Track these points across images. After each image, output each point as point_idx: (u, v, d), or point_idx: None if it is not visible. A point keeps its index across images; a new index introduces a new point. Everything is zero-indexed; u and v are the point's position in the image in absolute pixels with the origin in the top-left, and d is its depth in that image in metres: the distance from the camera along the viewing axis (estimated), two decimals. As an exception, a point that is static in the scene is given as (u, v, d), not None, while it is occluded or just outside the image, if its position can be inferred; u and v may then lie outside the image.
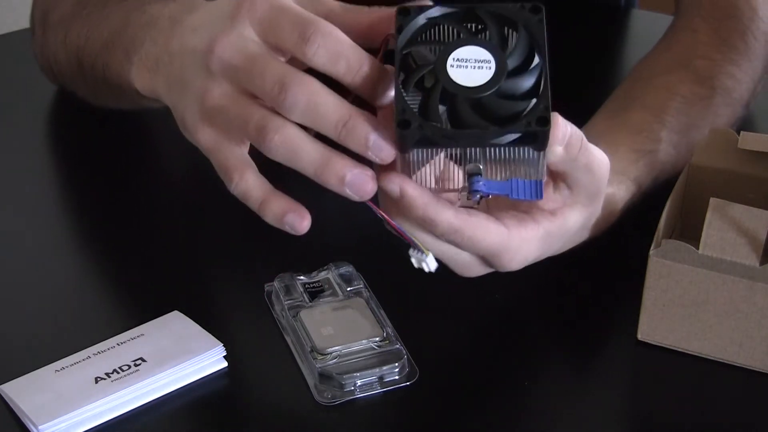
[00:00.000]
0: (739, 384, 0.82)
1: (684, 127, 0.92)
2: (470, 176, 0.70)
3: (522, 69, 0.70)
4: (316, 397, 0.79)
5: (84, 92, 1.02)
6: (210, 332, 0.83)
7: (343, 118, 0.70)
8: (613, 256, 0.90)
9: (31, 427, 0.77)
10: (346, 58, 0.70)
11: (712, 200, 0.80)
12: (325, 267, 0.87)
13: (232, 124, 0.73)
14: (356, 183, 0.71)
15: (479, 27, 0.71)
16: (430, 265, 0.73)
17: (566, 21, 1.22)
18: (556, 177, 0.75)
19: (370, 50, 0.73)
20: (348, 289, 0.86)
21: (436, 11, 0.71)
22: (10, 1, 1.50)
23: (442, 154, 0.70)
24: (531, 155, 0.70)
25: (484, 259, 0.76)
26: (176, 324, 0.84)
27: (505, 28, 0.71)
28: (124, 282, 0.91)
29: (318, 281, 0.86)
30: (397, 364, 0.80)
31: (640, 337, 0.84)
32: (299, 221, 0.73)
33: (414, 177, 0.71)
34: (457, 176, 0.72)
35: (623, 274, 0.88)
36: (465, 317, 0.86)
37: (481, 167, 0.70)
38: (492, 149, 0.69)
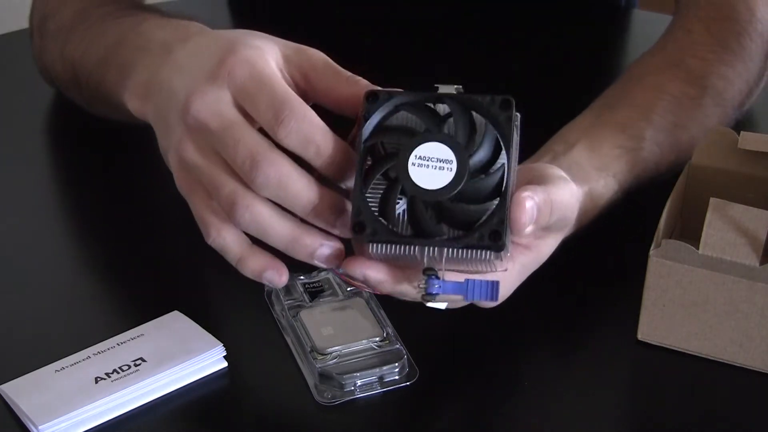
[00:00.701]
0: (739, 384, 0.82)
1: (670, 126, 0.92)
2: (426, 272, 0.71)
3: (485, 168, 0.70)
4: (316, 397, 0.79)
5: (80, 102, 1.02)
6: (210, 332, 0.83)
7: (312, 201, 0.71)
8: (613, 256, 0.90)
9: (31, 427, 0.77)
10: (317, 144, 0.71)
11: (712, 200, 0.80)
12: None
13: (205, 185, 0.74)
14: (325, 257, 0.73)
15: (448, 112, 0.71)
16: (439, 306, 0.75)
17: (566, 21, 1.22)
18: None
19: (344, 118, 0.74)
20: (348, 289, 0.86)
21: (404, 98, 0.71)
22: (10, 1, 1.50)
23: (398, 260, 0.71)
24: (488, 256, 0.70)
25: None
26: (176, 324, 0.84)
27: (473, 130, 0.71)
28: (124, 282, 0.91)
29: (318, 281, 0.86)
30: (397, 364, 0.80)
31: (640, 337, 0.84)
32: (278, 277, 0.74)
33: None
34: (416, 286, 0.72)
35: (623, 274, 0.88)
36: (465, 317, 0.86)
37: (436, 269, 0.71)
38: (448, 250, 0.70)
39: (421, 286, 0.71)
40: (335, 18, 1.21)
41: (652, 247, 0.81)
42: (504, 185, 0.70)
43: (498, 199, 0.70)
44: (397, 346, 0.81)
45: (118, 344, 0.82)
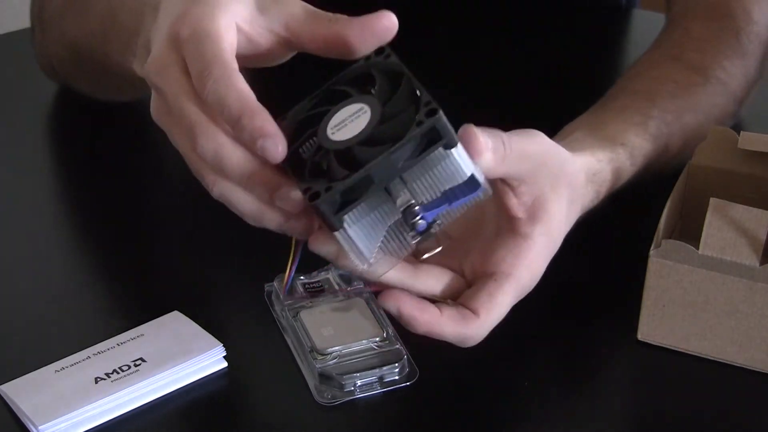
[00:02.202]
0: (739, 384, 0.82)
1: (677, 109, 0.92)
2: (405, 212, 0.69)
3: (393, 93, 0.70)
4: (316, 397, 0.79)
5: (85, 86, 1.01)
6: (210, 332, 0.83)
7: (245, 174, 0.70)
8: (613, 257, 0.90)
9: (31, 427, 0.77)
10: (228, 108, 0.69)
11: (712, 200, 0.80)
12: (325, 267, 0.87)
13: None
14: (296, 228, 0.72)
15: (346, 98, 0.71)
16: None
17: (567, 21, 1.22)
18: (508, 185, 0.75)
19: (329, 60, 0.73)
20: (348, 289, 0.86)
21: (301, 112, 0.71)
22: (10, 1, 1.50)
23: (381, 226, 0.70)
24: (445, 155, 0.69)
25: None
26: (176, 324, 0.84)
27: (366, 86, 0.71)
28: (124, 282, 0.91)
29: (318, 281, 0.86)
30: (397, 364, 0.80)
31: (640, 337, 0.84)
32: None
33: (373, 260, 0.71)
34: (408, 238, 0.71)
35: (623, 274, 0.88)
36: (465, 317, 0.86)
37: (411, 201, 0.69)
38: (409, 171, 0.69)
39: (409, 230, 0.70)
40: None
41: (652, 247, 0.81)
42: (417, 88, 0.69)
43: (417, 102, 0.69)
44: (397, 346, 0.81)
45: (118, 344, 0.82)
